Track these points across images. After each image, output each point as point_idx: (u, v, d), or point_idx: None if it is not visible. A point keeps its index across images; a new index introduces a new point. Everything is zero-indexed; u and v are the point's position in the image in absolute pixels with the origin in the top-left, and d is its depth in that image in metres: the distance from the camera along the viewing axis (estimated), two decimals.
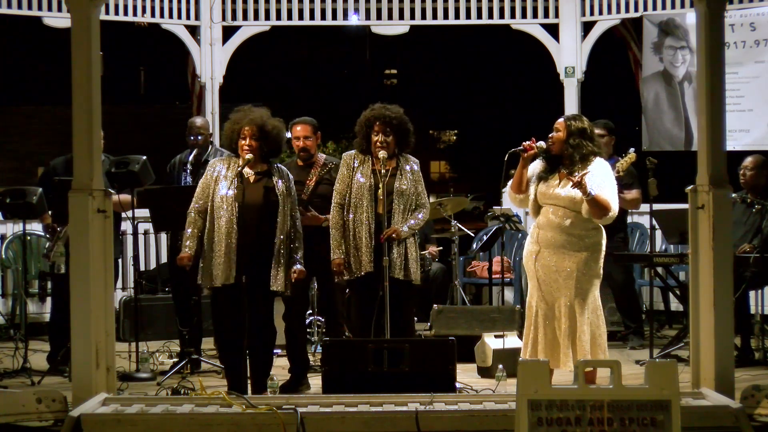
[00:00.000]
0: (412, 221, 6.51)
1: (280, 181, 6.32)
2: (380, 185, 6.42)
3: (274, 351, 7.13)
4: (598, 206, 6.03)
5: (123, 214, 7.51)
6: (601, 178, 6.14)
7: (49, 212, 7.50)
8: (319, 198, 6.84)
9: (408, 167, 6.57)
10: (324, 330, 7.66)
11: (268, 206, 6.26)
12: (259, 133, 6.26)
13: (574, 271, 6.14)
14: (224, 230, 6.16)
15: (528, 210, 6.44)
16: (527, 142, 6.23)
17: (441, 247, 9.33)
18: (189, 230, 6.29)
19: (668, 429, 4.45)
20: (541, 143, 6.25)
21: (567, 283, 6.15)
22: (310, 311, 8.15)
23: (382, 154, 6.48)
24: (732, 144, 8.15)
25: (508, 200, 6.52)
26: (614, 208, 6.11)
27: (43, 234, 8.56)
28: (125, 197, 7.34)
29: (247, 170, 6.22)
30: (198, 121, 8.07)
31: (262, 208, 6.23)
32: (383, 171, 6.42)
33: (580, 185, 5.96)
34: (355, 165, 6.56)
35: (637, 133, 10.15)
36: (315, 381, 6.68)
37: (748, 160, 7.87)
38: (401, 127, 6.55)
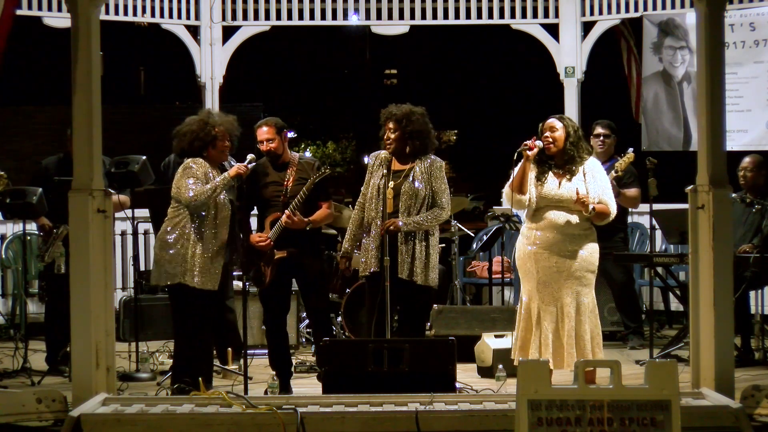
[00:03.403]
0: (419, 217, 6.44)
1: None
2: (389, 185, 6.44)
3: (258, 352, 7.21)
4: (600, 216, 6.18)
5: (122, 213, 7.52)
6: (602, 180, 6.27)
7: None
8: (294, 198, 6.58)
9: (423, 168, 6.50)
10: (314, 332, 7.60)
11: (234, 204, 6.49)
12: (230, 137, 6.54)
13: (576, 271, 6.16)
14: (225, 236, 6.36)
15: (521, 211, 6.42)
16: (529, 142, 6.22)
17: (443, 244, 9.31)
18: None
19: (668, 429, 4.45)
20: (539, 142, 6.25)
21: (568, 283, 6.16)
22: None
23: (383, 153, 6.54)
24: (730, 144, 8.13)
25: (506, 202, 6.44)
26: (613, 210, 6.24)
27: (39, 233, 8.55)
28: (124, 197, 7.35)
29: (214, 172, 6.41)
30: None
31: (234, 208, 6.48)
32: (393, 171, 6.45)
33: (583, 204, 6.08)
34: (374, 165, 6.59)
35: (636, 133, 10.15)
36: (313, 381, 6.69)
37: (747, 161, 7.88)
38: (408, 126, 6.48)
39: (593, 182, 6.21)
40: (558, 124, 6.27)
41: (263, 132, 6.62)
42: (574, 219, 6.19)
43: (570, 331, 6.13)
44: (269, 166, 6.69)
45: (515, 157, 6.26)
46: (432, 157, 6.58)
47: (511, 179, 6.29)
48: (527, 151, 6.18)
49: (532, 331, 6.22)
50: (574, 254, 6.17)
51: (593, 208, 6.10)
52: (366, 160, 6.65)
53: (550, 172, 6.24)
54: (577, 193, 6.11)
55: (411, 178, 6.48)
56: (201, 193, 6.25)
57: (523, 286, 6.31)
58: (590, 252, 6.23)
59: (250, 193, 6.69)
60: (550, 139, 6.23)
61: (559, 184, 6.21)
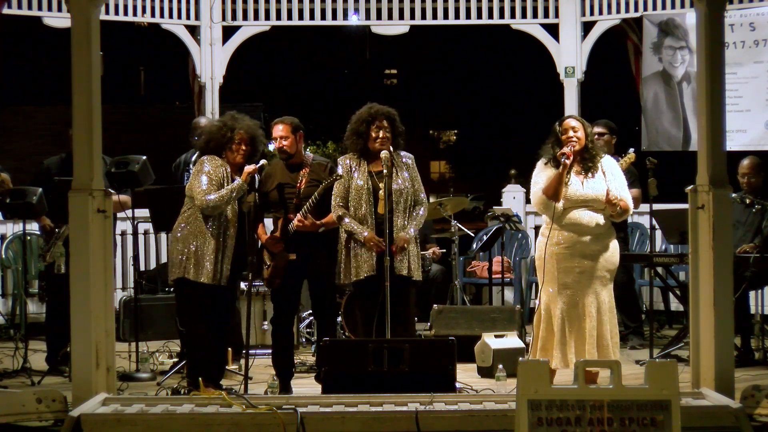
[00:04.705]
0: (414, 221, 6.50)
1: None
2: (380, 186, 6.39)
3: (258, 352, 7.19)
4: (621, 214, 6.20)
5: (123, 213, 7.53)
6: (620, 177, 6.27)
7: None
8: (306, 200, 6.58)
9: (403, 165, 6.55)
10: (319, 333, 7.60)
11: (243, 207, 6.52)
12: (250, 140, 6.51)
13: (598, 271, 6.12)
14: (235, 233, 6.41)
15: (541, 213, 6.36)
16: (567, 149, 6.13)
17: (444, 250, 9.30)
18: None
19: (668, 429, 4.45)
20: (569, 148, 6.19)
21: (590, 283, 6.12)
22: (310, 311, 8.14)
23: (384, 154, 6.39)
24: (729, 144, 8.15)
25: (539, 208, 6.31)
26: (632, 206, 6.30)
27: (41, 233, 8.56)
28: (125, 197, 7.35)
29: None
30: (202, 121, 8.08)
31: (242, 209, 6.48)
32: (384, 171, 6.36)
33: (614, 205, 6.09)
34: (352, 168, 6.54)
35: (636, 133, 10.15)
36: (313, 381, 6.69)
37: (745, 165, 7.85)
38: (398, 126, 6.57)
39: (613, 179, 6.19)
40: (577, 124, 6.21)
41: (278, 129, 6.68)
42: (598, 218, 6.15)
43: (591, 330, 6.09)
44: (283, 167, 6.71)
45: (545, 162, 6.22)
46: (402, 152, 6.63)
47: (535, 185, 6.23)
48: (566, 160, 6.10)
49: (553, 333, 6.17)
50: (597, 254, 6.14)
51: (619, 207, 6.11)
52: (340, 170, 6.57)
53: (572, 173, 6.19)
54: (608, 194, 6.12)
55: (398, 177, 6.48)
56: (215, 200, 6.29)
57: (542, 287, 6.22)
58: (612, 251, 6.20)
59: (262, 193, 6.69)
60: (575, 140, 6.18)
61: (583, 183, 6.17)
